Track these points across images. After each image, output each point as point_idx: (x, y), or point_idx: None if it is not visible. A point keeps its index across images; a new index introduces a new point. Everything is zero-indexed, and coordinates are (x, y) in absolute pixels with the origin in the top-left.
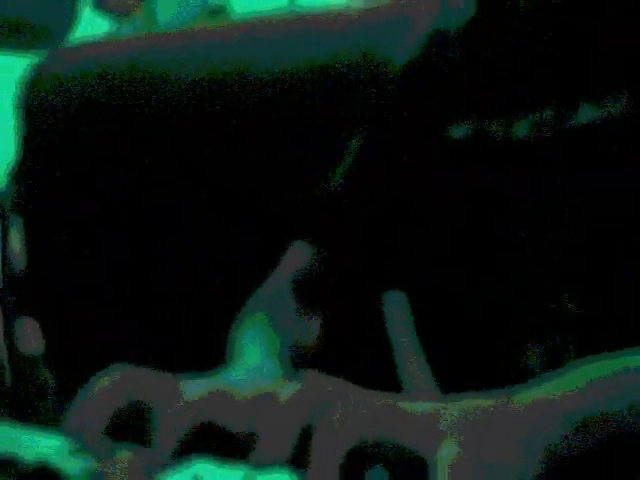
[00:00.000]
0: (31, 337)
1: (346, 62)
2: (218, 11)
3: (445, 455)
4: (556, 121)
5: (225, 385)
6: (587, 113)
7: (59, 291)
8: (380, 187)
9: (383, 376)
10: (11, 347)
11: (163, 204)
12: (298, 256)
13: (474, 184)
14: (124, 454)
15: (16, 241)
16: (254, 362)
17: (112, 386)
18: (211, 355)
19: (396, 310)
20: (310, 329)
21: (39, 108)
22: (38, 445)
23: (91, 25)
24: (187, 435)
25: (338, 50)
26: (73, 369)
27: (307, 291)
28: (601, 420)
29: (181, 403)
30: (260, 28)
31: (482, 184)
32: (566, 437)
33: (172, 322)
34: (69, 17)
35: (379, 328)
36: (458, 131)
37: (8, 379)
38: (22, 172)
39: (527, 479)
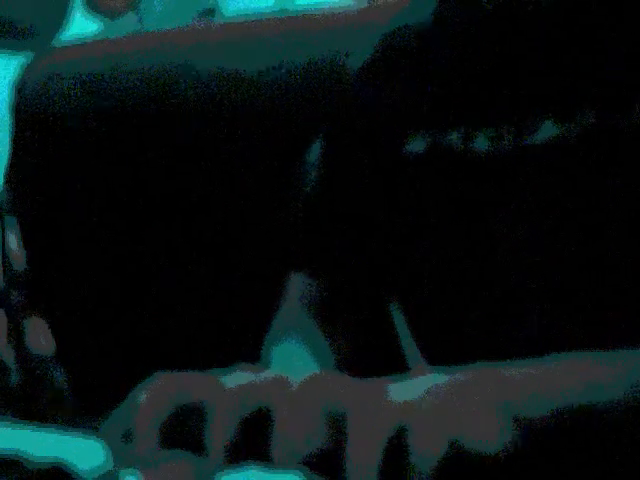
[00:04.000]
0: (41, 337)
1: (317, 64)
2: (209, 12)
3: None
4: (517, 135)
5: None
6: (549, 129)
7: (62, 291)
8: (348, 201)
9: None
10: (19, 347)
11: (156, 201)
12: (300, 284)
13: (434, 195)
14: (171, 461)
15: (14, 242)
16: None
17: (157, 393)
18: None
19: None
20: (339, 348)
21: (28, 109)
22: (48, 444)
23: (82, 26)
24: (239, 429)
25: (325, 51)
26: (83, 368)
27: (321, 315)
28: (581, 403)
29: (227, 394)
30: (249, 29)
31: (443, 195)
32: (544, 410)
33: (177, 318)
34: (59, 18)
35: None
36: (415, 141)
37: (15, 379)
38: (14, 173)
39: (500, 446)
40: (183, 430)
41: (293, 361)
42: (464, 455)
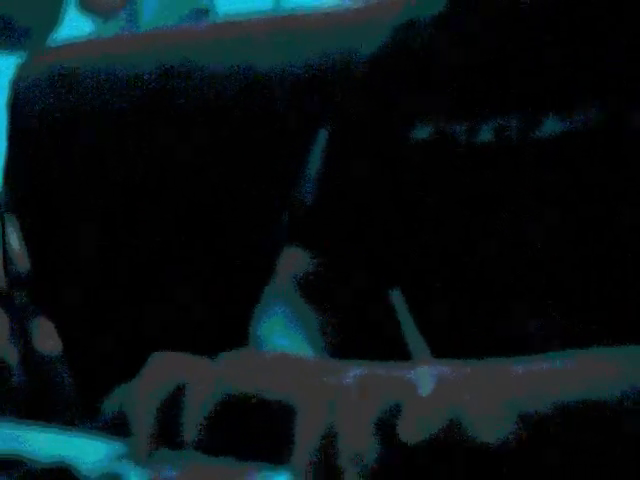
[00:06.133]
0: (47, 337)
1: (320, 61)
2: (203, 12)
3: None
4: (521, 128)
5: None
6: (553, 123)
7: (65, 290)
8: (353, 186)
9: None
10: (25, 347)
11: (155, 197)
12: (294, 260)
13: (442, 185)
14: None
15: (16, 241)
16: (287, 349)
17: (155, 375)
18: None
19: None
20: (326, 325)
21: (23, 108)
22: (52, 444)
23: (75, 25)
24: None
25: (319, 50)
26: (88, 367)
27: (313, 293)
28: (589, 404)
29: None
30: (243, 28)
31: (452, 185)
32: (548, 407)
33: (179, 310)
34: (53, 17)
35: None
36: (421, 131)
37: (19, 379)
38: (12, 172)
39: (502, 439)
40: (171, 415)
41: (280, 336)
42: (463, 440)
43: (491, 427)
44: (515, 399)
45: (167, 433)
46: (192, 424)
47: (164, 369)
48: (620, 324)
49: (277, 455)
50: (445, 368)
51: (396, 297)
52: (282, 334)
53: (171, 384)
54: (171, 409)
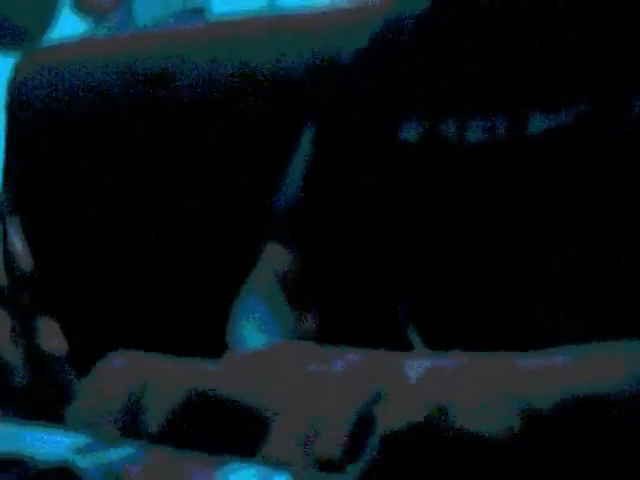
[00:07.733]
0: (53, 336)
1: (314, 60)
2: (198, 11)
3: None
4: (509, 126)
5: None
6: (540, 121)
7: (69, 289)
8: (339, 186)
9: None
10: (29, 347)
11: (154, 196)
12: (276, 256)
13: (429, 184)
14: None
15: (19, 242)
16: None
17: (122, 371)
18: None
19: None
20: (306, 323)
21: (18, 108)
22: (54, 445)
23: (70, 25)
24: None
25: (314, 49)
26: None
27: (295, 290)
28: (589, 396)
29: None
30: (238, 28)
31: (439, 184)
32: (551, 402)
33: (178, 314)
34: (48, 17)
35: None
36: (408, 130)
37: (21, 379)
38: (10, 172)
39: (499, 430)
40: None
41: (256, 335)
42: (447, 429)
43: (485, 418)
44: (513, 391)
45: (133, 426)
46: (156, 418)
47: (128, 368)
48: (620, 319)
49: (246, 447)
50: (439, 359)
51: (391, 295)
52: (258, 333)
53: (138, 382)
54: (136, 405)
